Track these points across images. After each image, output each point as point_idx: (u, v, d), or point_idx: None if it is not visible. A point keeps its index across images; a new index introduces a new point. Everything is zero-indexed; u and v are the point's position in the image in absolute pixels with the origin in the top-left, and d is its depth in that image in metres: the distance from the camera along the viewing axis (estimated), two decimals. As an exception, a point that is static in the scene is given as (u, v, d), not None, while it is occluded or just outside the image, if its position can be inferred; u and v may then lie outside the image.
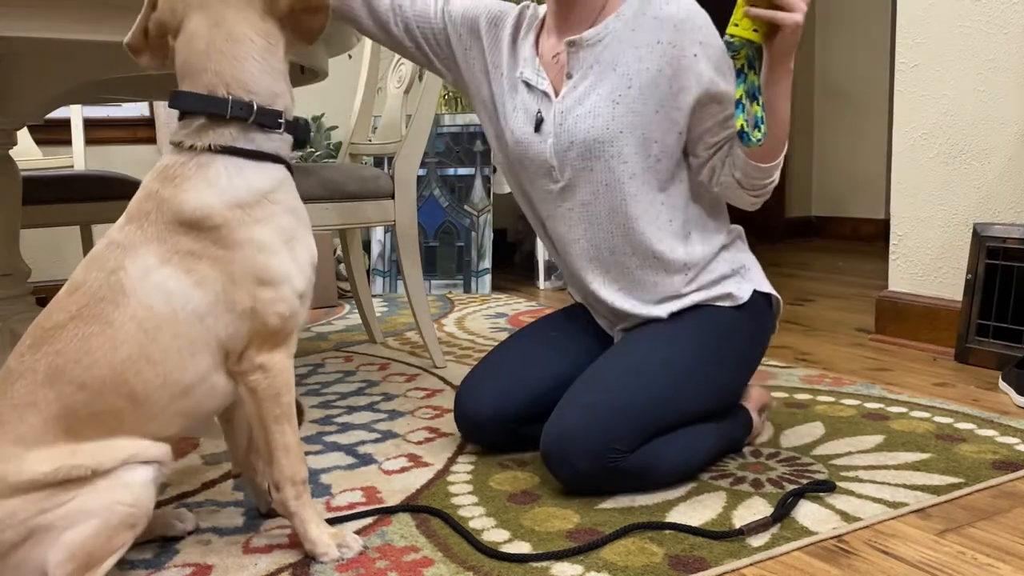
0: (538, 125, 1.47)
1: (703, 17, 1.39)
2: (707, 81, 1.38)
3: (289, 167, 1.17)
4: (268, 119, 1.11)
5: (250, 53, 1.09)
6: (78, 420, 1.03)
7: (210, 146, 1.08)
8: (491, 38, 1.56)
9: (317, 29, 1.14)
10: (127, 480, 1.03)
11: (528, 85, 1.50)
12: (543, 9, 1.55)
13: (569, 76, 1.46)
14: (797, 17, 1.20)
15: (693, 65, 1.37)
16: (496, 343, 2.53)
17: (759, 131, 1.27)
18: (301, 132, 1.17)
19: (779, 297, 1.57)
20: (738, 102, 1.27)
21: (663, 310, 1.47)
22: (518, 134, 1.50)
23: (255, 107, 1.09)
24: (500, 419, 1.52)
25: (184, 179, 1.08)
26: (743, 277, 1.50)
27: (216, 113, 1.08)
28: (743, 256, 1.53)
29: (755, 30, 1.23)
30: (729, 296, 1.47)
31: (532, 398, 1.51)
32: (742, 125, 1.27)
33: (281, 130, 1.13)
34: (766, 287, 1.53)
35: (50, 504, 1.00)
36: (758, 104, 1.27)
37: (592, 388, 1.39)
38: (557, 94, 1.47)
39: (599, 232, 1.47)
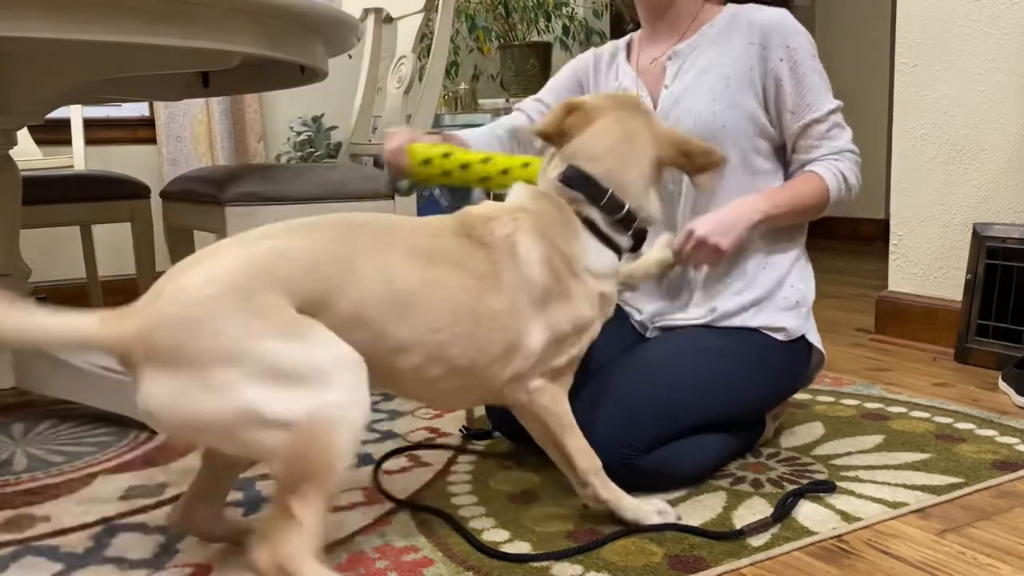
0: None
1: (792, 24, 1.47)
2: (786, 86, 1.45)
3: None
4: (626, 223, 1.24)
5: (635, 166, 1.24)
6: None
7: (579, 213, 1.23)
8: (593, 82, 1.67)
9: (708, 168, 1.28)
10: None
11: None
12: (621, 40, 1.66)
13: (667, 87, 1.53)
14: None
15: (777, 68, 1.45)
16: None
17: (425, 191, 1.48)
18: (637, 241, 1.28)
19: (824, 354, 1.57)
20: (450, 171, 1.42)
21: (722, 321, 1.48)
22: None
23: (625, 208, 1.23)
24: None
25: (566, 228, 1.22)
26: (802, 318, 1.51)
27: (594, 196, 1.23)
28: (808, 292, 1.54)
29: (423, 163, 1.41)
30: (783, 330, 1.48)
31: None
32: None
33: (629, 233, 1.25)
34: (816, 339, 1.53)
35: None
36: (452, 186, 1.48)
37: (615, 380, 1.39)
38: (655, 100, 1.54)
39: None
